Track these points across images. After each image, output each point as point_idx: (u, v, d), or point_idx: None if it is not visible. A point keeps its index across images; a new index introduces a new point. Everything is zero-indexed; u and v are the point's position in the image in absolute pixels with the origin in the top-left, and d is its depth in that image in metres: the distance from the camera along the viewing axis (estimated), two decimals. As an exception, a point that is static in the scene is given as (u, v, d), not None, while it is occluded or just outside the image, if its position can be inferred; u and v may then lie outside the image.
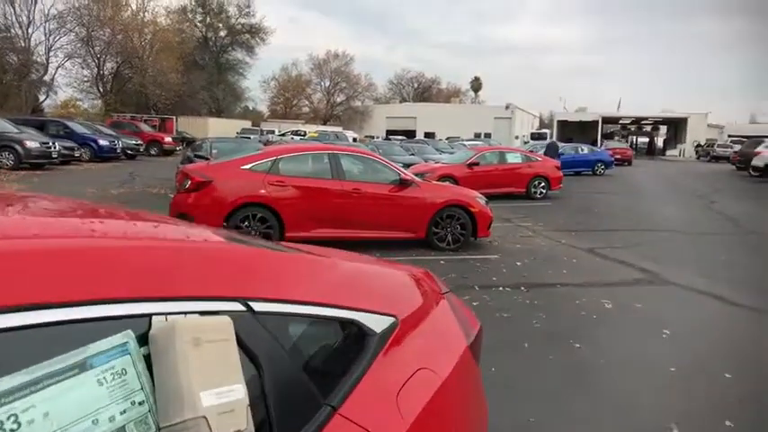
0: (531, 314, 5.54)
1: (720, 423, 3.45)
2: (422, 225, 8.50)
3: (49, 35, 40.68)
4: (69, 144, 21.30)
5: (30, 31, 39.60)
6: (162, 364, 0.94)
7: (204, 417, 0.91)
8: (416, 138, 44.31)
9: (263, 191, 7.82)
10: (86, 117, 38.59)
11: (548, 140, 33.32)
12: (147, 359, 0.95)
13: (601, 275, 7.36)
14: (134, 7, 46.51)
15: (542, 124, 69.99)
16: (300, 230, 7.74)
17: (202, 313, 1.03)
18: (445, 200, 8.66)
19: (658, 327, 5.21)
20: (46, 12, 40.09)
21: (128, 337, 0.93)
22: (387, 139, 43.66)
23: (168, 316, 0.98)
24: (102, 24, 42.48)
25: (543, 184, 16.49)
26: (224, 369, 0.98)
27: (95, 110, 46.25)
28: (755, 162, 23.67)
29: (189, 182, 7.86)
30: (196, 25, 58.28)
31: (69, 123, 24.78)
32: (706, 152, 46.75)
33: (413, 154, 22.55)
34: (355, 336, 1.37)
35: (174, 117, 42.10)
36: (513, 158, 17.17)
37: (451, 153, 23.14)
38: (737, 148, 34.14)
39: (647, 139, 65.87)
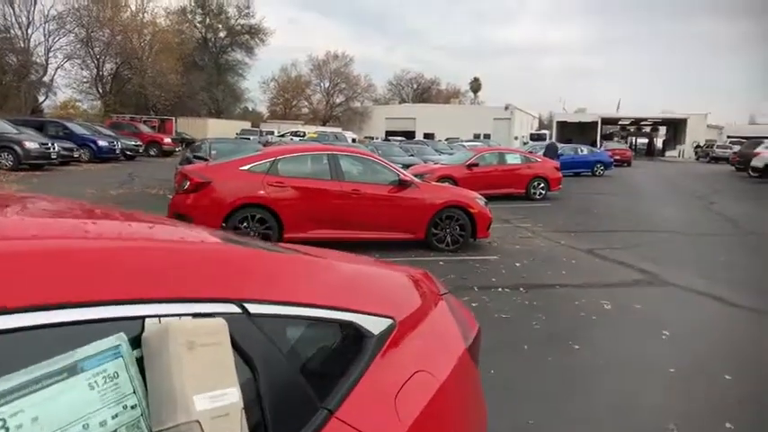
0: (530, 315, 5.53)
1: (720, 424, 3.43)
2: (421, 226, 8.48)
3: (49, 36, 40.77)
4: (68, 145, 21.27)
5: (29, 31, 39.70)
6: (155, 368, 0.92)
7: (197, 421, 0.90)
8: (416, 138, 44.32)
9: (261, 192, 7.81)
10: (86, 118, 38.64)
11: (547, 141, 33.32)
12: (140, 362, 0.94)
13: (600, 276, 7.35)
14: (133, 8, 46.60)
15: (542, 125, 70.03)
16: (299, 231, 7.73)
17: (197, 315, 1.01)
18: (444, 201, 8.65)
19: (658, 328, 5.20)
20: (45, 13, 40.18)
21: (120, 339, 0.91)
22: (386, 139, 43.69)
23: (162, 318, 0.97)
24: (101, 25, 42.46)
25: (542, 184, 16.49)
26: (218, 372, 0.96)
27: (95, 111, 46.24)
28: (755, 163, 23.67)
29: (188, 183, 7.84)
30: (195, 26, 58.28)
31: (68, 124, 24.79)
32: (705, 153, 46.77)
33: (412, 155, 22.54)
34: (353, 338, 1.36)
35: (174, 118, 42.06)
36: (513, 159, 17.17)
37: (451, 154, 23.13)
38: (737, 148, 34.16)
39: (646, 140, 65.92)
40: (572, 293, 6.39)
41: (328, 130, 46.28)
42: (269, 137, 35.72)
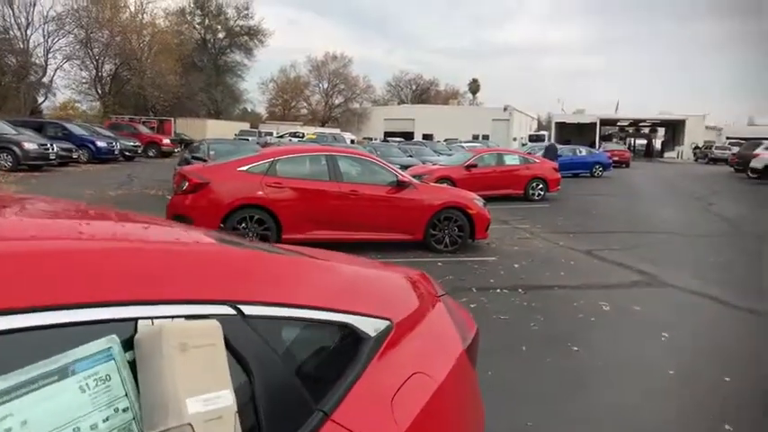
0: (528, 316, 5.52)
1: (720, 426, 3.43)
2: (419, 227, 8.47)
3: (48, 37, 40.79)
4: (67, 146, 21.28)
5: (28, 32, 39.72)
6: (147, 370, 0.91)
7: (190, 424, 0.88)
8: (414, 139, 44.35)
9: (260, 192, 7.80)
10: (85, 119, 38.70)
11: (546, 142, 33.34)
12: (133, 364, 0.92)
13: (598, 277, 7.34)
14: (132, 9, 46.63)
15: (540, 126, 70.06)
16: (297, 232, 7.73)
17: (190, 317, 1.00)
18: (443, 202, 8.64)
19: (657, 329, 5.19)
20: (45, 13, 40.22)
21: (112, 341, 0.90)
22: (385, 140, 43.74)
23: (155, 320, 0.96)
24: (100, 26, 42.49)
25: (541, 185, 16.49)
26: (211, 375, 0.95)
27: (94, 111, 46.23)
28: (754, 164, 23.68)
29: (186, 183, 7.83)
30: (195, 27, 58.32)
31: (67, 125, 24.81)
32: (704, 154, 46.79)
33: (411, 155, 22.54)
34: (349, 339, 1.35)
35: (173, 119, 42.05)
36: (511, 160, 17.16)
37: (449, 155, 23.14)
38: (735, 150, 34.20)
39: (644, 141, 65.91)
40: (570, 295, 6.38)
41: (327, 131, 46.35)
42: (268, 138, 35.75)
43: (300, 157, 8.78)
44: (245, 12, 58.94)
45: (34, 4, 39.19)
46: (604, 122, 57.97)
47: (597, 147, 39.82)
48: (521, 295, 6.28)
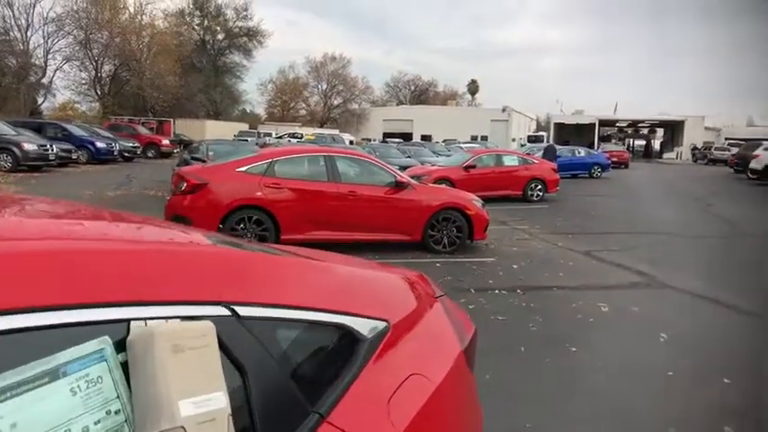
0: (527, 317, 5.51)
1: (720, 428, 3.42)
2: (418, 228, 8.46)
3: (48, 38, 40.78)
4: (67, 146, 21.29)
5: (28, 34, 39.74)
6: (139, 372, 0.90)
7: (182, 427, 0.88)
8: (413, 140, 44.36)
9: (258, 193, 7.79)
10: (84, 119, 38.70)
11: (545, 143, 33.35)
12: (126, 366, 0.91)
13: (597, 278, 7.34)
14: (132, 10, 46.62)
15: (539, 127, 70.14)
16: (296, 233, 7.72)
17: (184, 318, 0.99)
18: (441, 202, 8.64)
19: (655, 330, 5.18)
20: (45, 15, 40.16)
21: (104, 343, 0.89)
22: (383, 141, 43.73)
23: (148, 321, 0.95)
24: (99, 27, 42.48)
25: (540, 186, 16.48)
26: (205, 376, 0.94)
27: (93, 112, 46.21)
28: (753, 165, 23.67)
29: (184, 184, 7.82)
30: (194, 28, 58.32)
31: (67, 126, 24.82)
32: (703, 155, 46.82)
33: (409, 156, 22.53)
34: (345, 341, 1.34)
35: (172, 120, 42.09)
36: (510, 161, 17.14)
37: (448, 156, 23.14)
38: (735, 150, 34.21)
39: (643, 142, 65.97)
40: (569, 296, 6.38)
41: (326, 131, 46.37)
42: (267, 138, 35.73)
43: (299, 158, 8.77)
44: (244, 13, 59.03)
45: (34, 6, 39.31)
46: (603, 123, 58.04)
47: (596, 147, 39.89)
48: (519, 296, 6.27)
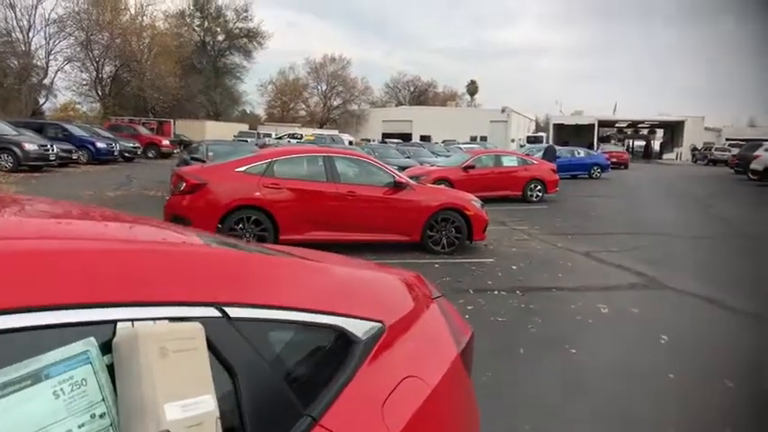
0: (526, 319, 5.49)
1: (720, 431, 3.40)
2: (417, 228, 8.45)
3: (49, 39, 40.87)
4: (67, 147, 21.36)
5: (30, 35, 39.87)
6: (125, 374, 0.88)
7: (168, 431, 0.86)
8: (412, 141, 44.36)
9: (257, 193, 7.77)
10: (85, 120, 38.77)
11: (545, 144, 33.34)
12: (112, 369, 0.90)
13: (597, 279, 7.32)
14: (133, 11, 46.75)
15: (538, 127, 70.16)
16: (295, 233, 7.70)
17: (173, 319, 0.97)
18: (440, 203, 8.62)
19: (656, 332, 5.16)
20: (46, 16, 40.32)
21: (89, 345, 0.87)
22: (383, 142, 43.73)
23: (135, 322, 0.93)
24: (101, 28, 42.61)
25: (539, 187, 16.47)
26: (192, 379, 0.92)
27: (94, 113, 46.31)
28: (754, 165, 23.61)
29: (183, 184, 7.81)
30: (194, 29, 58.36)
31: (67, 126, 24.89)
32: (703, 155, 46.79)
33: (408, 157, 22.53)
34: (339, 342, 1.32)
35: (172, 120, 42.13)
36: (509, 161, 17.10)
37: (447, 156, 23.13)
38: (735, 151, 34.17)
39: (643, 143, 65.96)
40: (568, 297, 6.36)
41: (325, 132, 46.42)
42: (266, 139, 35.76)
43: (298, 158, 8.76)
44: (245, 14, 59.06)
45: (36, 7, 39.46)
46: (603, 124, 58.05)
47: (595, 148, 39.88)
48: (518, 297, 6.25)
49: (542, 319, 5.49)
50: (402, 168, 13.79)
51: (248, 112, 68.75)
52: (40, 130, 22.16)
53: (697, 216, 14.20)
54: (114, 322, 0.91)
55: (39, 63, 41.10)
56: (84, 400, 0.85)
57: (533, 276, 7.33)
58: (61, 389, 0.83)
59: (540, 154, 21.90)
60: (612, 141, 57.37)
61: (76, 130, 24.39)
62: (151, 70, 44.40)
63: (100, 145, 23.99)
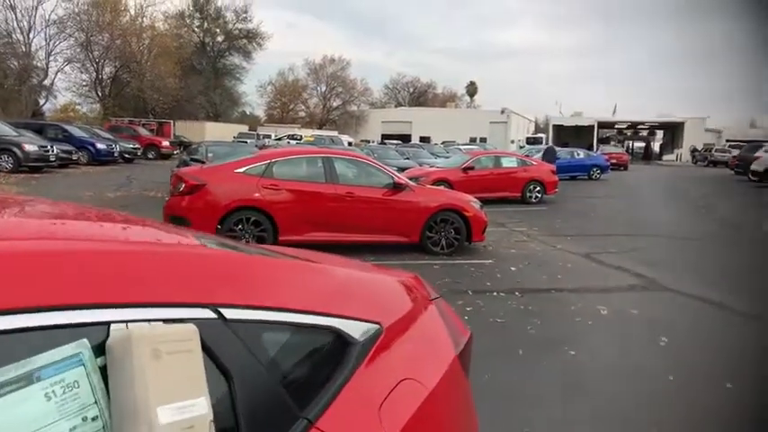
0: (525, 320, 5.48)
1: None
2: (416, 229, 8.44)
3: (50, 40, 40.99)
4: (67, 147, 21.41)
5: (30, 36, 39.98)
6: (117, 377, 0.88)
7: None
8: (412, 142, 44.39)
9: (256, 194, 7.77)
10: (85, 121, 38.82)
11: (544, 145, 33.35)
12: (105, 371, 0.89)
13: (596, 281, 7.31)
14: (132, 12, 46.86)
15: (538, 129, 70.16)
16: (294, 234, 7.69)
17: (168, 321, 0.97)
18: (439, 204, 8.61)
19: (655, 333, 5.15)
20: (46, 17, 40.39)
21: (82, 346, 0.86)
22: (382, 143, 43.75)
23: (129, 324, 0.92)
24: (100, 29, 42.75)
25: (539, 188, 16.45)
26: (186, 382, 0.91)
27: (94, 114, 46.43)
28: (755, 167, 23.58)
29: (183, 185, 7.81)
30: (194, 30, 58.42)
31: (68, 127, 24.95)
32: (704, 157, 46.75)
33: (408, 158, 22.55)
34: (336, 344, 1.31)
35: (172, 121, 42.24)
36: (509, 163, 17.07)
37: (446, 157, 23.13)
38: (736, 152, 34.14)
39: (643, 144, 65.98)
40: (568, 298, 6.35)
41: (325, 133, 46.43)
42: (266, 140, 35.78)
43: (297, 159, 8.75)
44: (244, 15, 59.12)
45: (36, 8, 39.56)
46: (602, 125, 58.08)
47: (595, 149, 39.89)
48: (518, 298, 6.24)
49: (541, 320, 5.48)
50: (401, 169, 13.78)
51: (248, 113, 68.86)
52: (40, 131, 22.22)
53: (697, 217, 14.20)
54: (108, 324, 0.90)
55: (39, 64, 41.22)
56: (77, 403, 0.84)
57: (532, 278, 7.32)
58: (53, 391, 0.82)
59: (540, 155, 21.90)
60: (612, 143, 57.46)
61: (76, 131, 24.44)
62: (151, 71, 44.51)
63: (100, 146, 24.05)
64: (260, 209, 7.76)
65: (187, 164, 13.02)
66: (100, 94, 45.77)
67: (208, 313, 1.04)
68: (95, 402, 0.86)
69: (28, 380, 0.80)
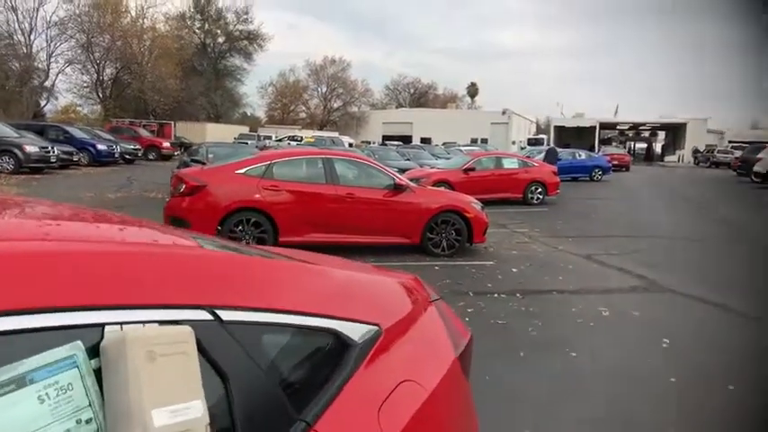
0: (526, 321, 5.46)
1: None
2: (416, 230, 8.42)
3: (51, 42, 41.13)
4: (68, 149, 21.45)
5: (32, 37, 40.11)
6: (112, 379, 0.86)
7: None
8: (413, 143, 44.38)
9: (257, 195, 7.76)
10: (86, 122, 38.94)
11: (545, 146, 33.33)
12: (100, 373, 0.88)
13: (598, 282, 7.29)
14: (133, 14, 46.96)
15: (539, 130, 70.14)
16: (294, 235, 7.68)
17: (163, 322, 0.95)
18: (440, 205, 8.59)
19: (657, 335, 5.13)
20: (48, 19, 40.51)
21: (76, 348, 0.85)
22: (383, 144, 43.74)
23: (124, 325, 0.91)
24: (101, 31, 42.85)
25: (540, 189, 16.43)
26: (181, 384, 0.90)
27: (95, 115, 46.54)
28: (757, 168, 23.53)
29: (183, 186, 7.80)
30: (195, 32, 58.45)
31: (68, 128, 24.99)
32: (705, 158, 46.71)
33: (408, 159, 22.54)
34: (335, 346, 1.30)
35: (173, 122, 42.28)
36: (510, 164, 17.06)
37: (447, 158, 23.12)
38: (738, 153, 34.10)
39: (645, 145, 65.93)
40: (569, 299, 6.33)
41: (325, 134, 46.42)
42: (266, 141, 35.79)
43: (297, 160, 8.74)
44: (245, 16, 59.14)
45: (37, 10, 39.66)
46: (604, 126, 58.07)
47: (597, 150, 39.86)
48: (519, 300, 6.23)
49: (542, 321, 5.47)
50: (402, 170, 13.77)
51: (249, 114, 68.90)
52: (41, 132, 22.28)
53: (698, 219, 14.17)
54: (102, 325, 0.89)
55: (40, 65, 41.42)
56: (70, 405, 0.83)
57: (534, 279, 7.30)
58: (46, 393, 0.81)
59: (542, 156, 21.88)
60: (614, 143, 57.44)
61: (77, 133, 24.49)
62: (152, 72, 44.56)
63: (101, 147, 24.10)
64: (260, 210, 7.75)
65: (188, 165, 13.01)
66: (101, 96, 45.86)
67: (204, 315, 1.03)
68: (89, 405, 0.85)
69: (21, 382, 0.79)
